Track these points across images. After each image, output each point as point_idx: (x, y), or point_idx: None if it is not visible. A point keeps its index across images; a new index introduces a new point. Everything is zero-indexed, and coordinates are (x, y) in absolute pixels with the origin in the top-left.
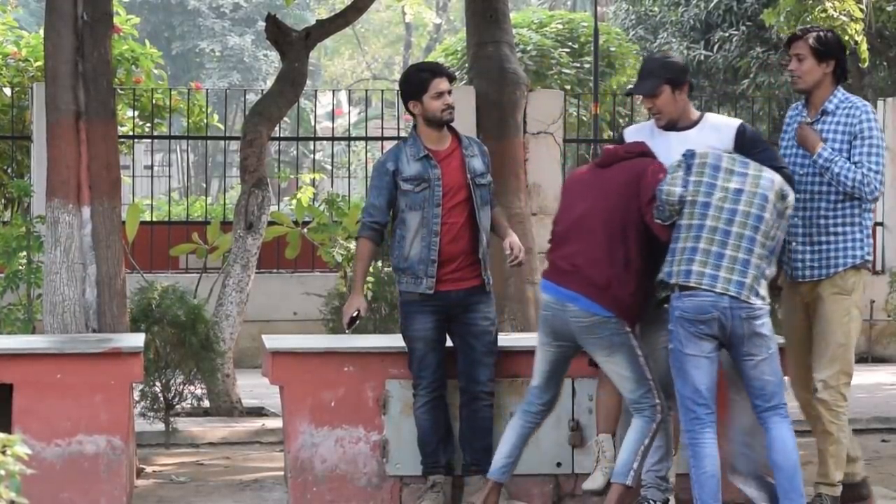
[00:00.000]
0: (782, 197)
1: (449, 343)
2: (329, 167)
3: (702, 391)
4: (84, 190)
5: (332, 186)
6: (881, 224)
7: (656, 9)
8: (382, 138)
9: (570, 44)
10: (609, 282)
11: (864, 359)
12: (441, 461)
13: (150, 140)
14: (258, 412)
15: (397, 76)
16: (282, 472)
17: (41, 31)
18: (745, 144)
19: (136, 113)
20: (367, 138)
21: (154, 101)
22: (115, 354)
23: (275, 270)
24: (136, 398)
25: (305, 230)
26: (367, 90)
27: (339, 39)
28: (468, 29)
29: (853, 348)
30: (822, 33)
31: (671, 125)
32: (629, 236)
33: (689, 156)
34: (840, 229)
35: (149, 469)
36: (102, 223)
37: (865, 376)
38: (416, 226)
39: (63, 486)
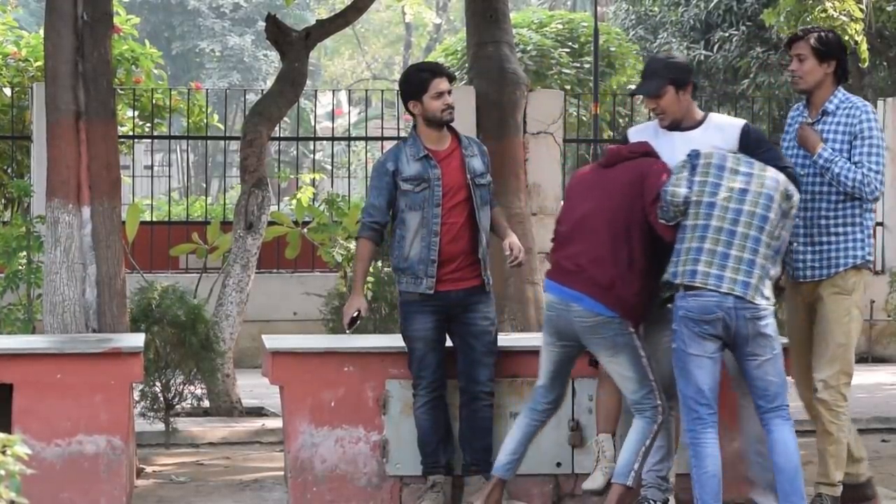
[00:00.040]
0: (787, 197)
1: (449, 343)
2: (329, 167)
3: (704, 391)
4: (84, 190)
5: (332, 186)
6: (881, 224)
7: (656, 9)
8: (382, 138)
9: (570, 44)
10: (613, 282)
11: (864, 359)
12: (441, 461)
13: (150, 140)
14: (258, 412)
15: (397, 76)
16: (282, 472)
17: (41, 31)
18: (750, 144)
19: (136, 113)
20: (367, 138)
21: (154, 101)
22: (115, 354)
23: (275, 270)
24: (136, 398)
25: (305, 230)
26: (367, 90)
27: (339, 39)
28: (468, 29)
29: (853, 348)
30: (823, 34)
31: (675, 125)
32: (633, 236)
33: (693, 156)
34: (841, 230)
35: (149, 469)
36: (102, 223)
37: (865, 376)
38: (416, 226)
39: (63, 486)
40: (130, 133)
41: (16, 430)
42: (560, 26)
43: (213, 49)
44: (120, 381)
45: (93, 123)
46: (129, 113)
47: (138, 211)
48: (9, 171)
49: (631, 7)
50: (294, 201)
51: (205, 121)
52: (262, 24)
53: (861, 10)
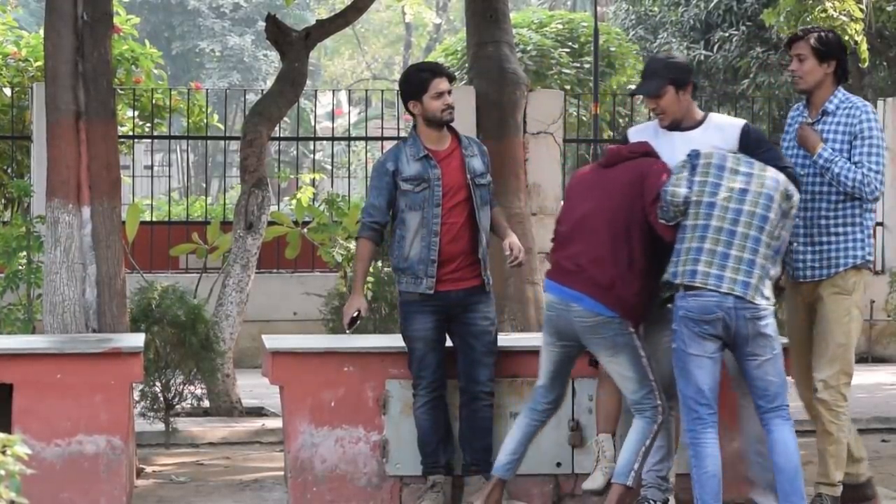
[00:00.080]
0: (787, 197)
1: (449, 343)
2: (329, 167)
3: (704, 391)
4: (84, 190)
5: (332, 186)
6: (881, 224)
7: (656, 9)
8: (382, 138)
9: (570, 44)
10: (613, 282)
11: (864, 359)
12: (441, 461)
13: (150, 140)
14: (258, 412)
15: (397, 76)
16: (282, 472)
17: (41, 31)
18: (750, 144)
19: (136, 113)
20: (367, 138)
21: (154, 101)
22: (115, 354)
23: (275, 270)
24: (136, 398)
25: (305, 230)
26: (367, 90)
27: (339, 39)
28: (468, 29)
29: (853, 348)
30: (823, 34)
31: (675, 125)
32: (633, 236)
33: (693, 156)
34: (841, 230)
35: (149, 469)
36: (102, 223)
37: (865, 376)
38: (416, 226)
39: (63, 486)
40: (130, 133)
41: (16, 430)
42: (560, 26)
43: (213, 49)
44: (120, 381)
45: (93, 123)
46: (129, 113)
47: (138, 211)
48: (9, 171)
49: (631, 7)
50: (294, 201)
51: (205, 121)
52: (262, 24)
53: (861, 10)
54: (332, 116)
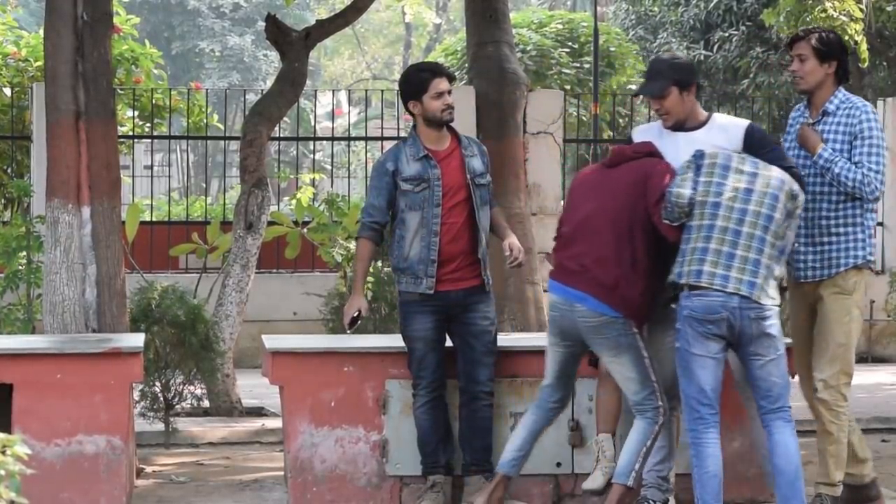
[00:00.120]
0: (792, 196)
1: (449, 343)
2: (329, 167)
3: (706, 391)
4: (84, 190)
5: (331, 186)
6: (881, 224)
7: (656, 9)
8: (382, 138)
9: (570, 44)
10: (617, 282)
11: (864, 359)
12: (441, 461)
13: (150, 140)
14: (258, 412)
15: (397, 76)
16: (282, 472)
17: (41, 31)
18: (754, 144)
19: (136, 113)
20: (367, 138)
21: (154, 101)
22: (115, 354)
23: (275, 270)
24: (136, 398)
25: (305, 230)
26: (367, 90)
27: (339, 39)
28: (468, 29)
29: (854, 348)
30: (824, 34)
31: (679, 126)
32: (636, 236)
33: (698, 156)
34: (842, 230)
35: (149, 469)
36: (102, 223)
37: (865, 376)
38: (416, 226)
39: (63, 486)
40: (130, 133)
41: (16, 430)
42: (560, 26)
43: (213, 49)
44: (120, 381)
45: (93, 123)
46: (129, 113)
47: (138, 211)
48: (9, 171)
49: (631, 7)
50: (294, 201)
51: (205, 121)
52: (262, 24)
53: (861, 10)
54: (332, 116)
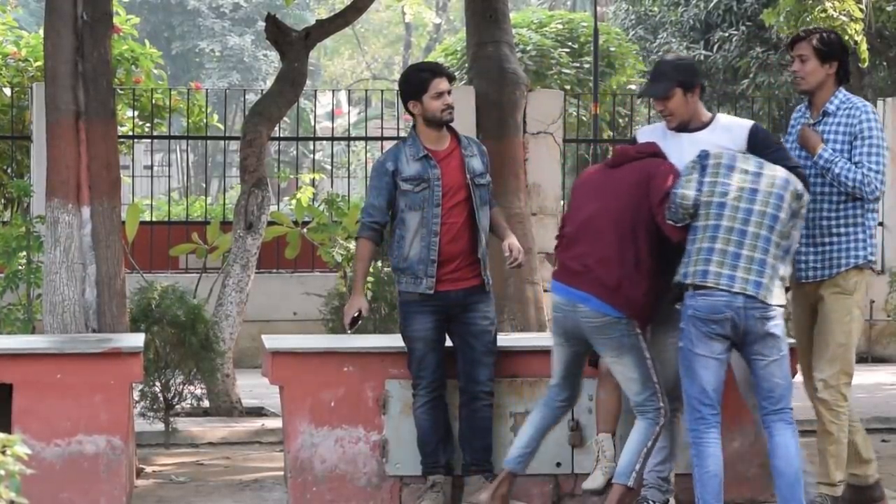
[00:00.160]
0: (797, 196)
1: (449, 343)
2: (329, 167)
3: (708, 392)
4: (84, 190)
5: (331, 186)
6: (881, 224)
7: (656, 9)
8: (382, 138)
9: (569, 44)
10: (620, 282)
11: (864, 359)
12: (441, 461)
13: (149, 140)
14: (258, 412)
15: (397, 76)
16: (282, 472)
17: (41, 31)
18: (758, 145)
19: (136, 113)
20: (366, 138)
21: (154, 101)
22: (115, 354)
23: (275, 270)
24: (136, 398)
25: (305, 230)
26: (366, 90)
27: (339, 39)
28: (468, 29)
29: (854, 348)
30: (825, 34)
31: (683, 127)
32: (639, 236)
33: (703, 157)
34: (843, 230)
35: (149, 469)
36: (102, 223)
37: (865, 376)
38: (416, 226)
39: (63, 486)
40: (130, 133)
41: (16, 430)
42: (560, 26)
43: (213, 49)
44: (120, 381)
45: (93, 123)
46: (129, 113)
47: (138, 211)
48: (9, 171)
49: (631, 7)
50: (294, 201)
51: (204, 121)
52: (262, 24)
53: (861, 10)
54: (332, 116)
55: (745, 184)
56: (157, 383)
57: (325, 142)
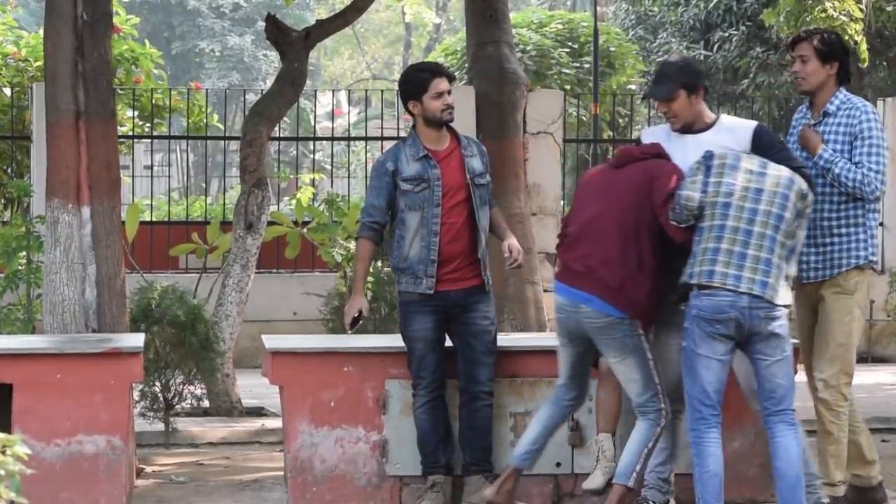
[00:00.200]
0: (802, 196)
1: (449, 343)
2: (329, 167)
3: (709, 392)
4: (84, 190)
5: (331, 186)
6: (881, 224)
7: (656, 9)
8: (382, 138)
9: (569, 44)
10: (622, 283)
11: (864, 359)
12: (441, 461)
13: (149, 140)
14: (258, 412)
15: (397, 76)
16: (282, 472)
17: (41, 31)
18: (763, 145)
19: (136, 113)
20: (366, 138)
21: (154, 101)
22: (115, 354)
23: (275, 270)
24: (136, 398)
25: (305, 230)
26: (366, 90)
27: (339, 39)
28: (468, 29)
29: (854, 348)
30: (826, 35)
31: (687, 128)
32: (642, 237)
33: (708, 157)
34: (844, 230)
35: (149, 469)
36: (102, 223)
37: (865, 376)
38: (416, 226)
39: (63, 486)
40: (130, 133)
41: (16, 430)
42: (560, 26)
43: (213, 49)
44: (120, 381)
45: (93, 123)
46: (129, 113)
47: (138, 211)
48: (9, 171)
49: (631, 7)
50: (294, 201)
51: (204, 121)
52: (262, 24)
53: (861, 10)
54: (332, 116)
55: (749, 183)
56: (157, 383)
57: (325, 142)
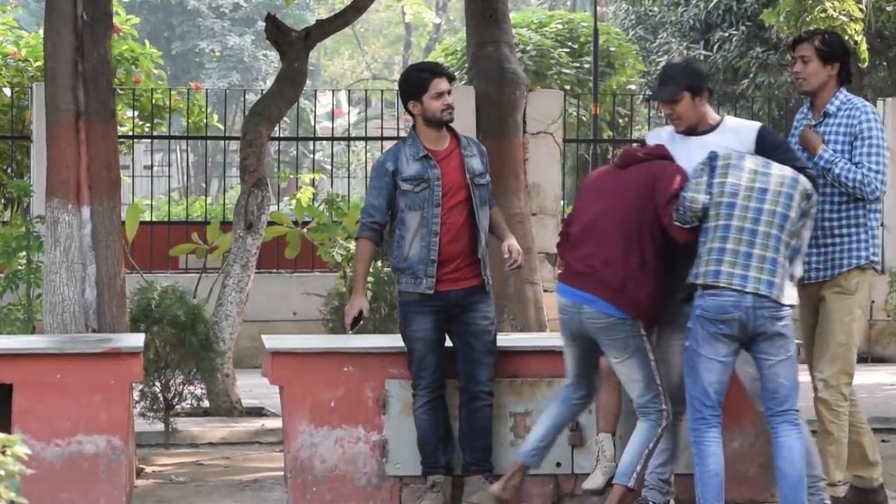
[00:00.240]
0: (807, 196)
1: (449, 343)
2: (329, 167)
3: (710, 393)
4: (84, 190)
5: (331, 186)
6: (882, 224)
7: (656, 9)
8: (382, 138)
9: (569, 44)
10: (624, 283)
11: (864, 359)
12: (441, 461)
13: (149, 140)
14: (258, 412)
15: (397, 76)
16: (282, 472)
17: (41, 31)
18: (766, 146)
19: (136, 113)
20: (366, 138)
21: (154, 101)
22: (115, 354)
23: (275, 270)
24: (136, 398)
25: (305, 230)
26: (366, 90)
27: (338, 39)
28: (468, 29)
29: (855, 348)
30: (827, 35)
31: (691, 130)
32: (645, 237)
33: (712, 158)
34: (845, 231)
35: (148, 469)
36: (102, 223)
37: (865, 376)
38: (416, 226)
39: (63, 486)
40: (130, 133)
41: (16, 430)
42: (560, 26)
43: (213, 49)
44: (120, 381)
45: (92, 123)
46: (129, 113)
47: (138, 211)
48: (9, 171)
49: (631, 7)
50: (294, 201)
51: (204, 121)
52: (261, 24)
53: (861, 10)
54: (332, 116)
55: (754, 183)
56: (157, 383)
57: (325, 142)
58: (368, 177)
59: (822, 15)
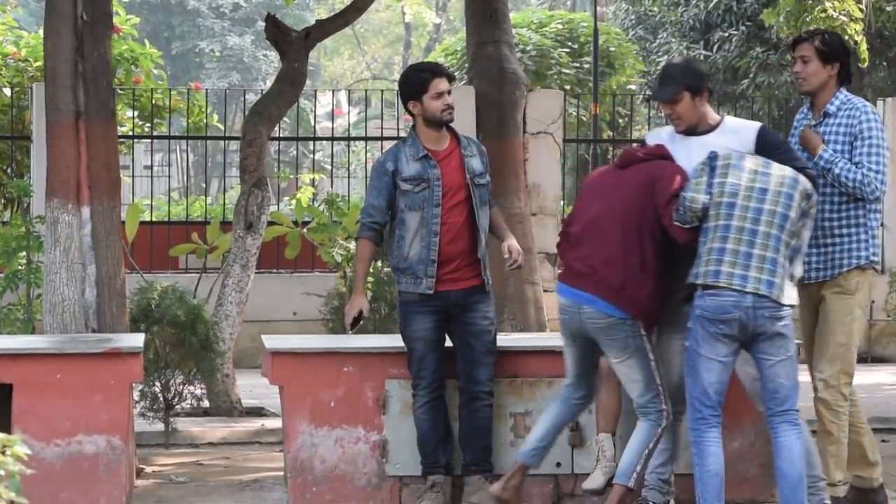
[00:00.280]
0: (807, 196)
1: (449, 343)
2: (329, 167)
3: (710, 393)
4: (84, 190)
5: (331, 186)
6: (882, 224)
7: (656, 9)
8: (382, 138)
9: (569, 44)
10: (624, 283)
11: (864, 359)
12: (441, 461)
13: (149, 140)
14: (258, 412)
15: (397, 76)
16: (282, 472)
17: (41, 31)
18: (767, 147)
19: (136, 113)
20: (366, 138)
21: (154, 101)
22: (115, 354)
23: (274, 270)
24: (136, 398)
25: (305, 230)
26: (366, 90)
27: (338, 39)
28: (468, 29)
29: (855, 348)
30: (827, 35)
31: (691, 130)
32: (645, 237)
33: (712, 157)
34: (845, 231)
35: (148, 469)
36: (102, 223)
37: (865, 376)
38: (416, 226)
39: (63, 486)
40: (130, 133)
41: (16, 430)
42: (560, 26)
43: (213, 49)
44: (120, 381)
45: (92, 123)
46: (129, 113)
47: (138, 211)
48: (9, 171)
49: (631, 7)
50: (294, 201)
51: (204, 121)
52: (261, 24)
53: (861, 10)
54: (332, 116)
55: (754, 183)
56: (157, 383)
57: (325, 142)
58: (368, 177)
59: (822, 15)
